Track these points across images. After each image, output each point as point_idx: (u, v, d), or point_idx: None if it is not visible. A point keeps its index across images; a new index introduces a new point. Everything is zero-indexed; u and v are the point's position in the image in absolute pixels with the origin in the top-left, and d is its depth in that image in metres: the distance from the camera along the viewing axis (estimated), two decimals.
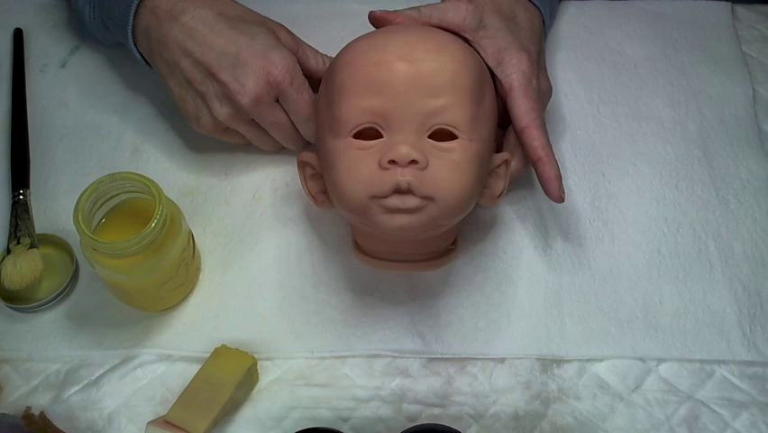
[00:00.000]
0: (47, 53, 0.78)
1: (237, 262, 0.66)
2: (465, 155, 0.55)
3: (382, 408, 0.60)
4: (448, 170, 0.54)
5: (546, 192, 0.61)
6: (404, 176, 0.53)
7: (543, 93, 0.64)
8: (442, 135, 0.55)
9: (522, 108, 0.61)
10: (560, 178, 0.61)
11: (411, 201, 0.53)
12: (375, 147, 0.54)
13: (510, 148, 0.63)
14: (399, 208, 0.53)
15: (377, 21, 0.63)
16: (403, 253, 0.60)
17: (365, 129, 0.55)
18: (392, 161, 0.53)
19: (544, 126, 0.61)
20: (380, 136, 0.55)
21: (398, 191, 0.53)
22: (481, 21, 0.63)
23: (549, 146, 0.61)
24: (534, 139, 0.60)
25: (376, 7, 0.66)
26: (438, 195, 0.53)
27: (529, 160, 0.62)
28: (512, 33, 0.64)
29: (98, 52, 0.78)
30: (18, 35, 0.78)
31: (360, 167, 0.54)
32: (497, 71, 0.62)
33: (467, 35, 0.63)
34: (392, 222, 0.54)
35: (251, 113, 0.63)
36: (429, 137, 0.54)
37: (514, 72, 0.61)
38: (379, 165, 0.53)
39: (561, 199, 0.61)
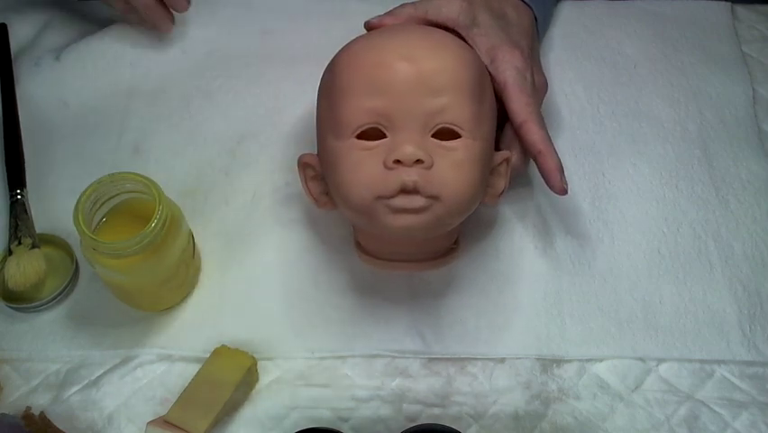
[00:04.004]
0: (40, 47, 0.77)
1: (237, 262, 0.66)
2: (469, 154, 0.55)
3: (382, 408, 0.60)
4: (453, 168, 0.54)
5: (549, 184, 0.61)
6: (409, 176, 0.53)
7: (538, 87, 0.64)
8: (445, 134, 0.55)
9: (518, 104, 0.61)
10: (561, 170, 0.60)
11: (417, 201, 0.53)
12: (379, 147, 0.54)
13: (507, 145, 0.63)
14: (405, 208, 0.53)
15: (373, 28, 0.63)
16: (405, 252, 0.60)
17: (368, 129, 0.55)
18: (397, 161, 0.53)
19: (541, 120, 0.61)
20: (383, 136, 0.55)
21: (404, 191, 0.53)
22: (474, 18, 0.64)
23: (548, 139, 0.61)
24: (533, 133, 0.60)
25: (376, 6, 0.66)
26: (444, 194, 0.53)
27: (529, 154, 0.61)
28: (503, 30, 0.64)
29: (98, 51, 0.77)
30: (2, 31, 0.77)
31: (364, 168, 0.54)
32: (490, 68, 0.62)
33: (460, 32, 0.63)
34: (398, 222, 0.54)
35: None
36: (432, 136, 0.54)
37: (507, 69, 0.61)
38: (384, 165, 0.53)
39: (563, 191, 0.60)
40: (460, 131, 0.55)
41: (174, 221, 0.58)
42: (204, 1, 0.81)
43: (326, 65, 0.61)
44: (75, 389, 0.61)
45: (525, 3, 0.69)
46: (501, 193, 0.60)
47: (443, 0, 0.64)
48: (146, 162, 0.71)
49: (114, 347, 0.62)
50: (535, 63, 0.67)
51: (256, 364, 0.61)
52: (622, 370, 0.62)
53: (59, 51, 0.76)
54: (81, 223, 0.55)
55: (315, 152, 0.62)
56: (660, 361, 0.62)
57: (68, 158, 0.71)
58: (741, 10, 0.81)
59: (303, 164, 0.61)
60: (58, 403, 0.60)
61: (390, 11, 0.64)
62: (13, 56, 0.76)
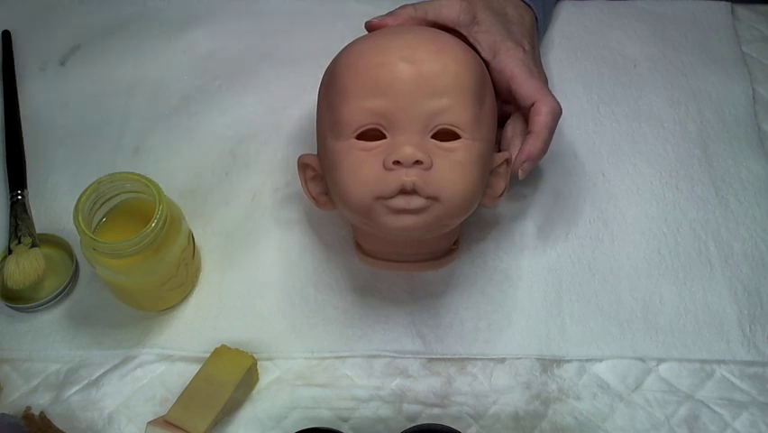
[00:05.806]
0: (47, 51, 0.78)
1: (237, 262, 0.66)
2: (469, 155, 0.55)
3: (382, 408, 0.60)
4: (452, 169, 0.54)
5: (515, 162, 0.60)
6: (409, 176, 0.53)
7: None
8: (445, 135, 0.55)
9: (530, 89, 0.60)
10: (534, 161, 0.59)
11: (416, 202, 0.53)
12: (378, 148, 0.54)
13: (507, 145, 0.63)
14: (404, 209, 0.53)
15: (374, 28, 0.63)
16: (405, 253, 0.60)
17: (368, 130, 0.55)
18: (397, 162, 0.53)
19: (556, 104, 0.60)
20: (383, 137, 0.55)
21: (403, 192, 0.53)
22: (475, 17, 0.64)
23: (550, 129, 0.60)
24: (542, 114, 0.59)
25: (376, 7, 0.66)
26: (443, 195, 0.53)
27: (529, 128, 0.60)
28: (504, 27, 0.64)
29: (99, 52, 0.78)
30: (6, 37, 0.78)
31: (364, 168, 0.54)
32: (494, 62, 0.62)
33: (461, 30, 0.63)
34: (397, 223, 0.54)
35: None
36: (432, 137, 0.54)
37: (513, 60, 0.62)
38: (384, 166, 0.53)
39: (515, 174, 0.59)
40: (460, 132, 0.55)
41: (174, 221, 0.58)
42: (204, 1, 0.81)
43: (326, 65, 0.61)
44: (75, 389, 0.61)
45: (525, 3, 0.69)
46: (501, 194, 0.60)
47: (443, 1, 0.64)
48: (146, 162, 0.71)
49: (114, 347, 0.62)
50: (537, 63, 0.67)
51: (256, 364, 0.61)
52: (622, 370, 0.62)
53: (65, 57, 0.77)
54: (81, 223, 0.55)
55: (315, 153, 0.62)
56: (660, 361, 0.62)
57: (68, 158, 0.71)
58: (741, 10, 0.81)
59: (302, 164, 0.61)
60: (58, 403, 0.60)
61: (391, 12, 0.64)
62: (19, 61, 0.77)
